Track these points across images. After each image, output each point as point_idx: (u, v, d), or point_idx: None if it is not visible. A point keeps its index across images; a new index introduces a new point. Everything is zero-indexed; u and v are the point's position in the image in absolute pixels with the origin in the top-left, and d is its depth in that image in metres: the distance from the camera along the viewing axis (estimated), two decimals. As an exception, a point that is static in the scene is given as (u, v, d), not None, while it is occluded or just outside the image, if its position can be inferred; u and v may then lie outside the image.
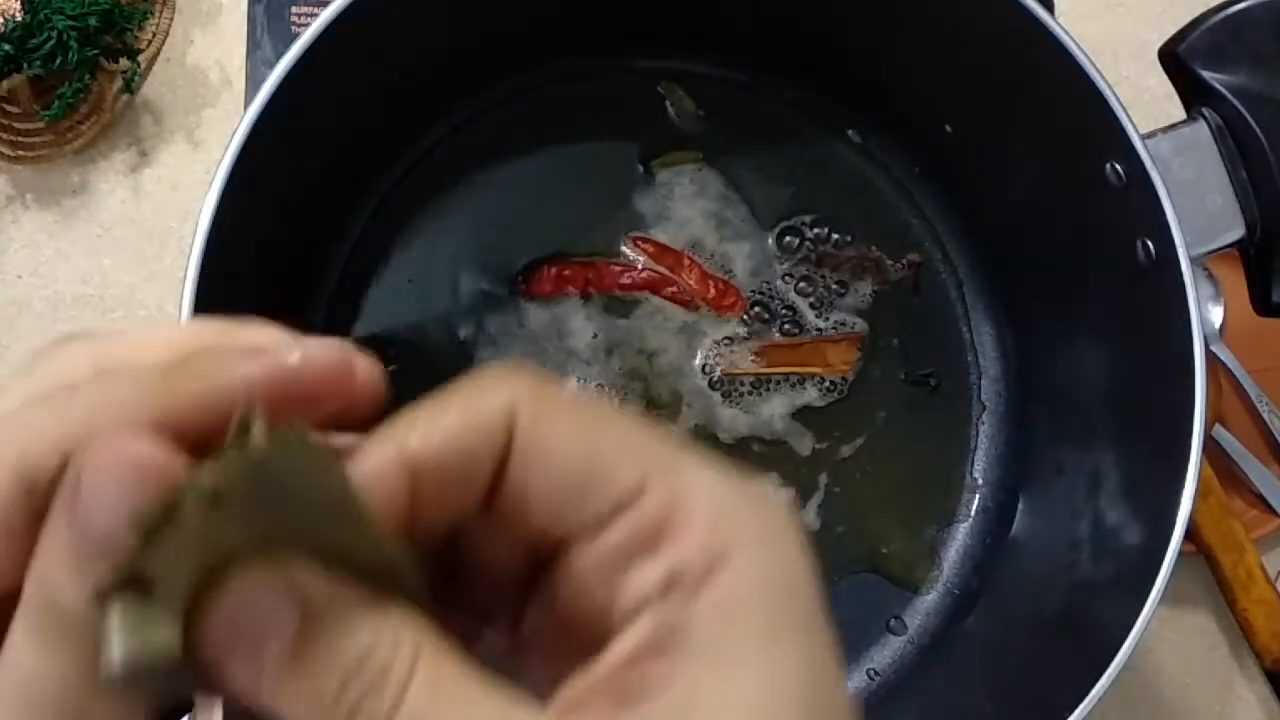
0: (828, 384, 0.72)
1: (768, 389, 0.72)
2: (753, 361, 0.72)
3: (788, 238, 0.73)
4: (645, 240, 0.73)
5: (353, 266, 0.72)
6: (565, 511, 0.26)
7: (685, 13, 0.70)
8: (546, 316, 0.72)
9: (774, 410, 0.72)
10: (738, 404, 0.72)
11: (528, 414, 0.26)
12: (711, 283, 0.72)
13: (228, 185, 0.54)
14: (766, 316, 0.72)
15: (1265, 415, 0.81)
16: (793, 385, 0.72)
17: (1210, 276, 0.81)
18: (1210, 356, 0.77)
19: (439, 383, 0.26)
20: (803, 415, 0.72)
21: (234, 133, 0.55)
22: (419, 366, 0.71)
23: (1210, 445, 0.80)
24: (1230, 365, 0.81)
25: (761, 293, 0.73)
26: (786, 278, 0.73)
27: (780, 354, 0.72)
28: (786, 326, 0.72)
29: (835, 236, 0.73)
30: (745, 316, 0.72)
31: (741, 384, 0.72)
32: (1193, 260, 0.55)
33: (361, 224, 0.72)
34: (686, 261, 0.72)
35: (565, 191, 0.73)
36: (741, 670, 0.24)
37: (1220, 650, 0.81)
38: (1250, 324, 0.79)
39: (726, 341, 0.72)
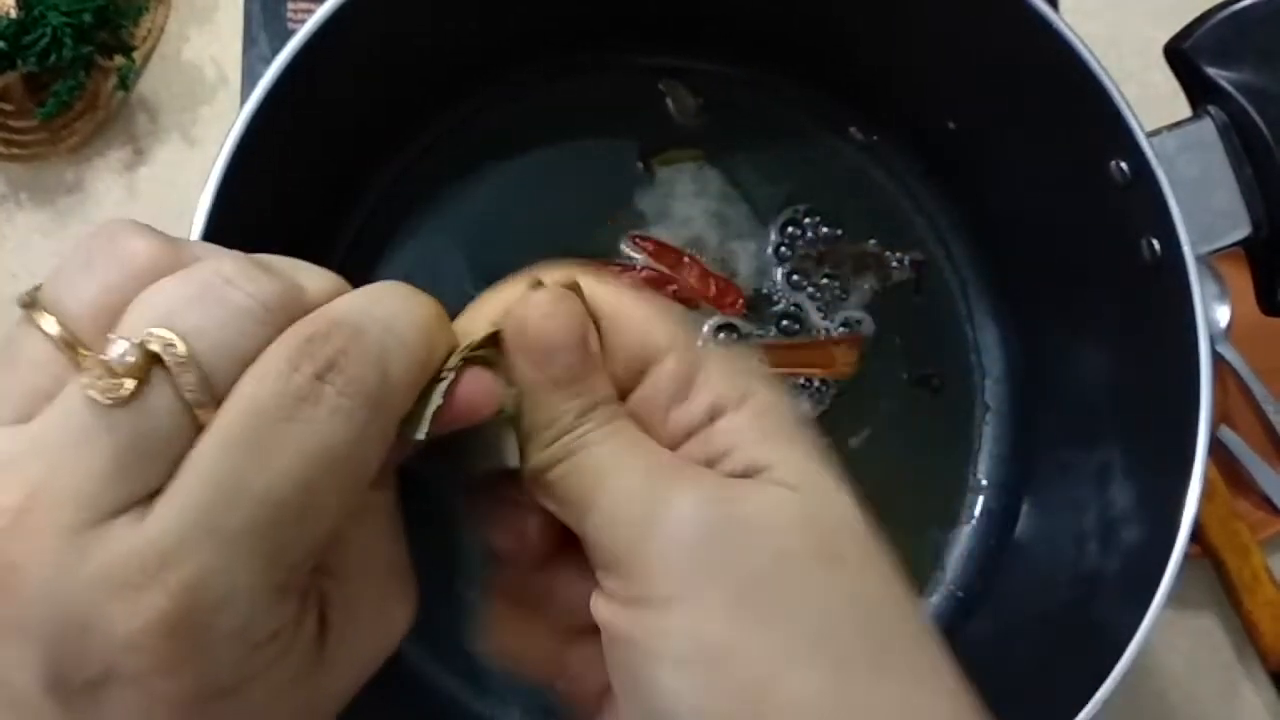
0: (819, 390, 0.72)
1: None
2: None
3: (790, 236, 0.73)
4: (645, 239, 0.72)
5: (350, 265, 0.71)
6: (628, 362, 0.38)
7: (687, 10, 0.70)
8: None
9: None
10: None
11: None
12: (712, 281, 0.72)
13: (223, 183, 0.54)
14: (769, 315, 0.72)
15: (1272, 416, 0.81)
16: (788, 391, 0.72)
17: (1217, 276, 0.80)
18: (1216, 357, 0.77)
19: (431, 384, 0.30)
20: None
21: (230, 130, 0.55)
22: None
23: (1216, 446, 0.79)
24: (1236, 365, 0.81)
25: (765, 291, 0.72)
26: (790, 276, 0.72)
27: (782, 354, 0.72)
28: (785, 323, 0.72)
29: (837, 234, 0.73)
30: (747, 315, 0.72)
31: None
32: (1198, 259, 0.54)
33: (359, 222, 0.72)
34: (686, 260, 0.72)
35: (565, 189, 0.73)
36: (786, 448, 0.37)
37: (1226, 653, 0.80)
38: (1257, 324, 0.78)
39: (727, 340, 0.72)
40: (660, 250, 0.72)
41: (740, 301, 0.72)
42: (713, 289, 0.72)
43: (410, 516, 0.69)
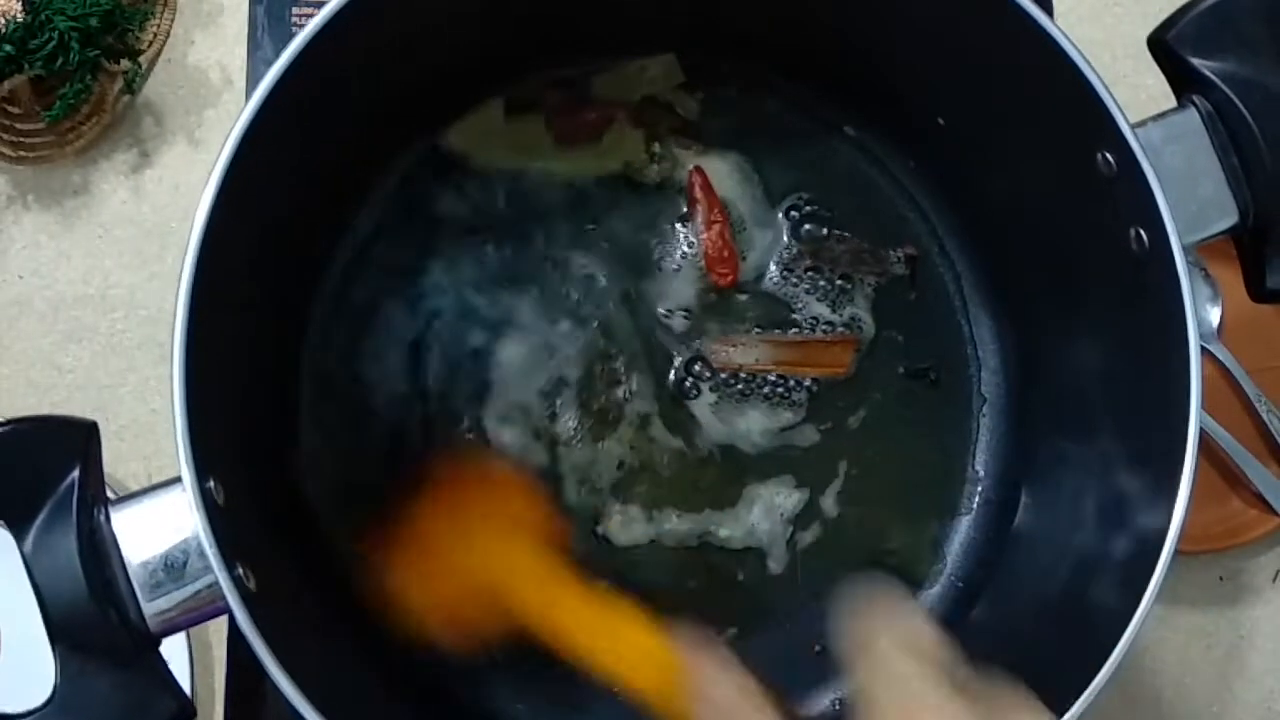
0: (804, 400, 0.73)
1: (747, 397, 0.72)
2: (756, 360, 0.72)
3: (785, 231, 0.73)
4: (700, 171, 0.73)
5: (353, 264, 0.72)
6: None
7: (685, 11, 0.71)
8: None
9: (750, 426, 0.72)
10: (715, 406, 0.72)
11: None
12: (725, 246, 0.73)
13: (224, 184, 0.53)
14: (763, 311, 0.73)
15: (1264, 415, 0.81)
16: (768, 399, 0.73)
17: (1208, 276, 0.81)
18: (1207, 355, 0.77)
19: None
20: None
21: (231, 131, 0.54)
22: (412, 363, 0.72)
23: (1206, 442, 0.80)
24: (1228, 364, 0.81)
25: (761, 284, 0.73)
26: (785, 271, 0.73)
27: (781, 350, 0.72)
28: (789, 316, 0.73)
29: (833, 232, 0.74)
30: (743, 299, 0.73)
31: (727, 380, 0.72)
32: (1186, 248, 0.55)
33: (363, 222, 0.72)
34: (718, 210, 0.73)
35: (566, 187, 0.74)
36: None
37: (1219, 650, 0.81)
38: (1247, 324, 0.79)
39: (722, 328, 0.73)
40: (707, 188, 0.73)
41: (733, 276, 0.73)
42: (723, 252, 0.73)
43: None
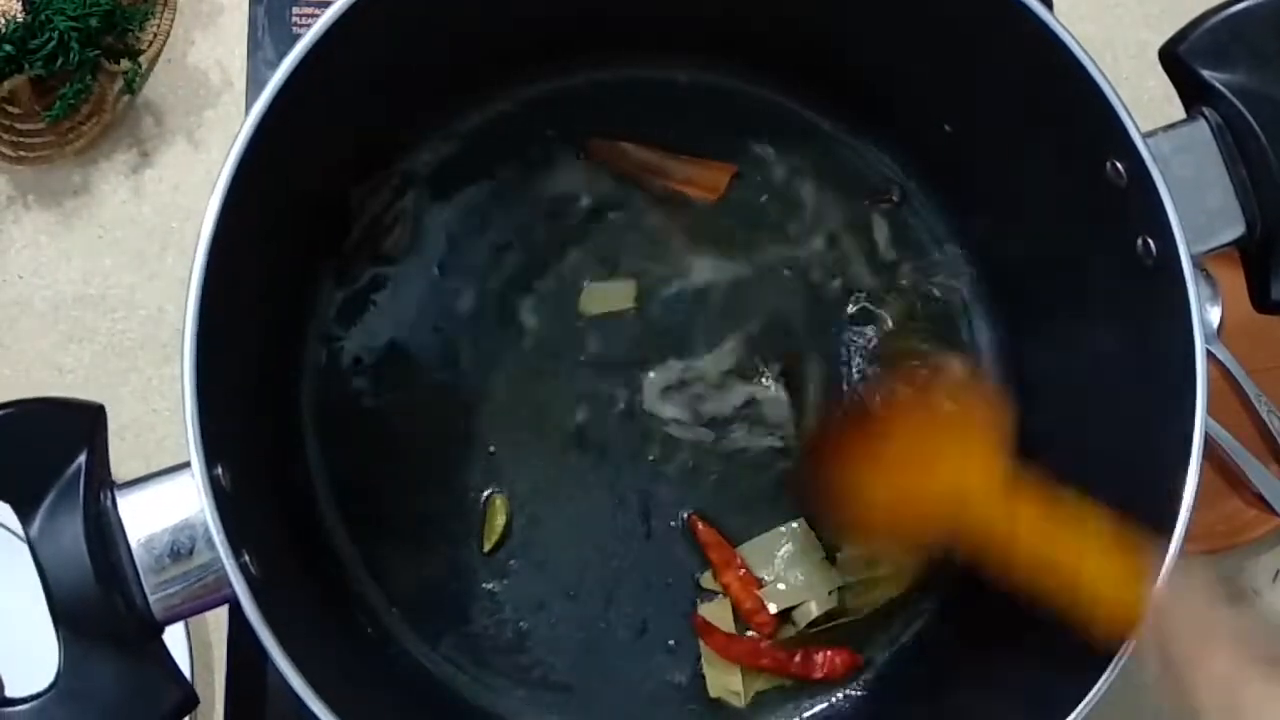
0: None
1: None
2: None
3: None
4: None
5: (356, 265, 0.72)
6: None
7: (685, 14, 0.70)
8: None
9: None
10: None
11: None
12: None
13: (231, 186, 0.54)
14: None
15: (1264, 415, 0.81)
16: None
17: (1208, 277, 0.81)
18: (1208, 355, 0.77)
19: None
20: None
21: (237, 133, 0.54)
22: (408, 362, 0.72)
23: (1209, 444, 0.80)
24: (1229, 365, 0.81)
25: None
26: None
27: (663, 162, 0.75)
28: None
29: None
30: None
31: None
32: (1193, 258, 0.55)
33: (365, 223, 0.72)
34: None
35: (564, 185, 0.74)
36: None
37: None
38: (1248, 325, 0.79)
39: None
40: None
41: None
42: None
43: (414, 520, 0.70)
